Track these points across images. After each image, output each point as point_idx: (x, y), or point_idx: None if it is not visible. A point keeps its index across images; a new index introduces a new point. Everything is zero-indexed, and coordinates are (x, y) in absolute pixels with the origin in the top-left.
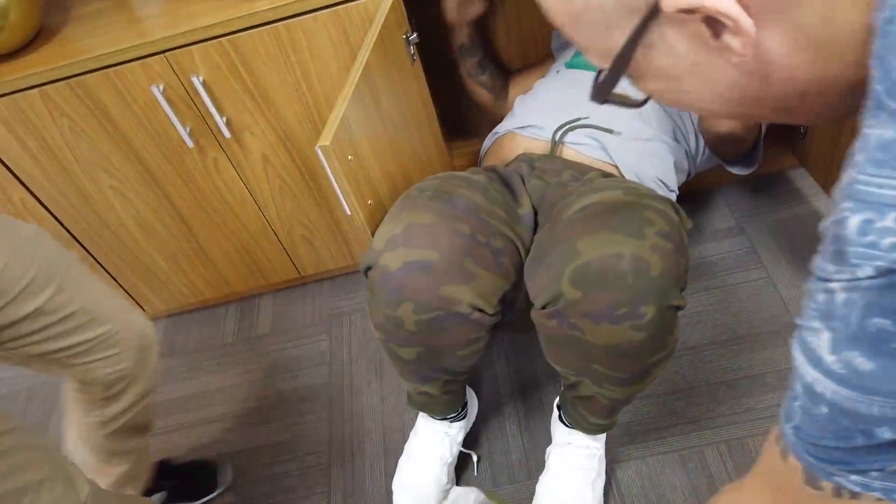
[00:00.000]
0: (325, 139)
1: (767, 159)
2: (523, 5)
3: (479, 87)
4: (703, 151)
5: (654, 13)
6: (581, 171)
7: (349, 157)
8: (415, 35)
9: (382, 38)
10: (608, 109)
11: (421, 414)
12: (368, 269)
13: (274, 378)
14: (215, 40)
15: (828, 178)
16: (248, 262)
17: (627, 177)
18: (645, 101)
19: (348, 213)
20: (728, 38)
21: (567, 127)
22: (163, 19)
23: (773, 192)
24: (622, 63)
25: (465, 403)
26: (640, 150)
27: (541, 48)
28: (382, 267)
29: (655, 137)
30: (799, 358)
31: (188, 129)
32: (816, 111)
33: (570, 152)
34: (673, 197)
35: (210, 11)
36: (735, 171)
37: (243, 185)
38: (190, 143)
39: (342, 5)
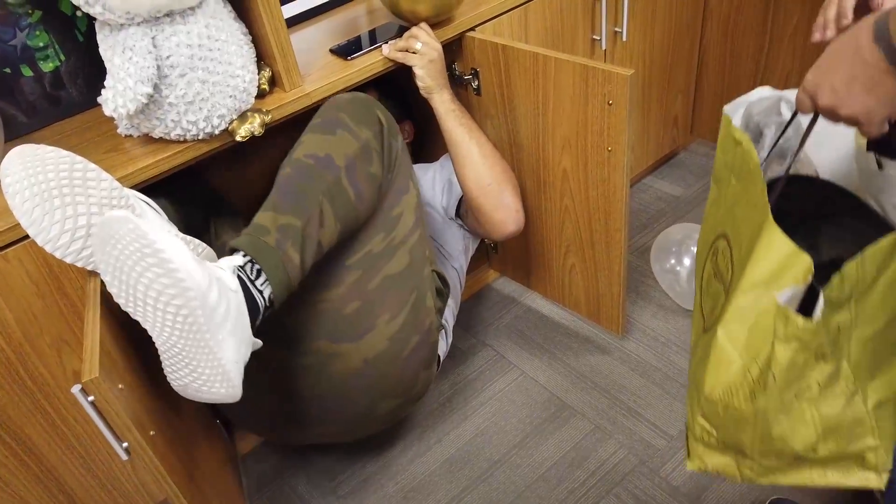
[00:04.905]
0: (92, 371)
1: (474, 279)
2: None
3: None
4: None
5: None
6: None
7: (119, 386)
8: None
9: None
10: None
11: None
12: None
13: None
14: None
15: (528, 278)
16: None
17: None
18: None
19: (126, 458)
20: None
21: None
22: None
23: (490, 304)
24: None
25: None
26: None
27: None
28: None
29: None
30: None
31: None
32: None
33: None
34: (447, 315)
35: None
36: None
37: None
38: None
39: None
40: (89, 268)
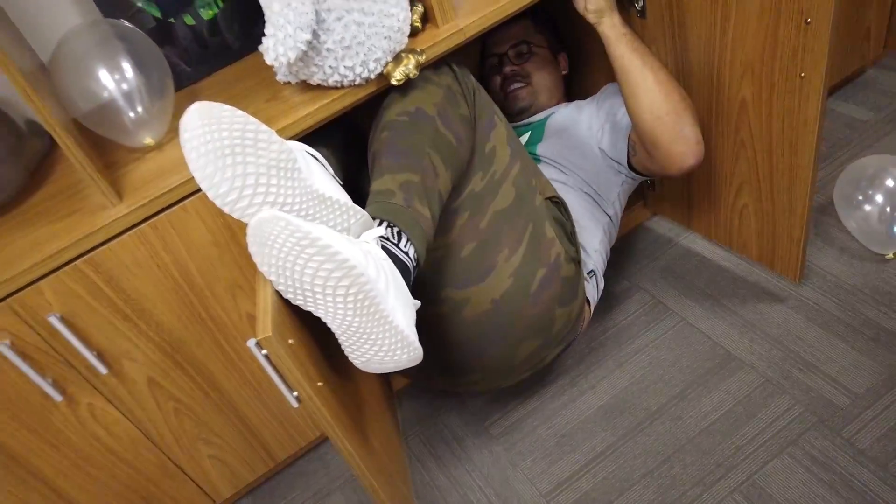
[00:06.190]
0: (265, 329)
1: (626, 218)
2: None
3: None
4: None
5: None
6: None
7: (290, 341)
8: None
9: None
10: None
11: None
12: None
13: None
14: (69, 266)
15: (689, 218)
16: None
17: None
18: None
19: (296, 405)
20: None
21: None
22: None
23: (644, 245)
24: None
25: None
26: None
27: None
28: None
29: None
30: None
31: (51, 381)
32: None
33: None
34: (596, 260)
35: (53, 237)
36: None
37: (130, 424)
38: (57, 397)
39: None
40: None
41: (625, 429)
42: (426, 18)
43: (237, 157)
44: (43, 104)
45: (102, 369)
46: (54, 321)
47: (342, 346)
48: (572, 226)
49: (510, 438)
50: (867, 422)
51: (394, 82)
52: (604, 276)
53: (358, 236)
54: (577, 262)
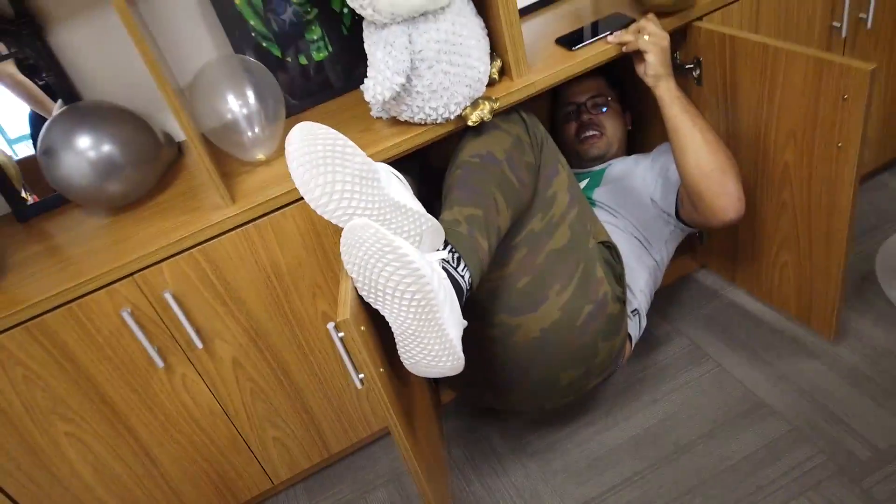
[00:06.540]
0: (344, 313)
1: (674, 267)
2: None
3: None
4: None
5: None
6: None
7: (362, 328)
8: None
9: None
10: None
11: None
12: None
13: None
14: (186, 252)
15: (733, 272)
16: (215, 482)
17: None
18: None
19: (360, 387)
20: None
21: None
22: (121, 245)
23: (689, 294)
24: None
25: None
26: None
27: None
28: None
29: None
30: None
31: (157, 349)
32: None
33: None
34: (640, 300)
35: (176, 228)
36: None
37: (213, 398)
38: (160, 363)
39: None
40: (340, 225)
41: (653, 459)
42: (503, 71)
43: (328, 167)
44: (186, 120)
45: (199, 343)
46: (168, 297)
47: (397, 346)
48: (622, 269)
49: (544, 457)
50: (886, 476)
51: (470, 124)
52: (648, 318)
53: (429, 246)
54: (623, 301)
